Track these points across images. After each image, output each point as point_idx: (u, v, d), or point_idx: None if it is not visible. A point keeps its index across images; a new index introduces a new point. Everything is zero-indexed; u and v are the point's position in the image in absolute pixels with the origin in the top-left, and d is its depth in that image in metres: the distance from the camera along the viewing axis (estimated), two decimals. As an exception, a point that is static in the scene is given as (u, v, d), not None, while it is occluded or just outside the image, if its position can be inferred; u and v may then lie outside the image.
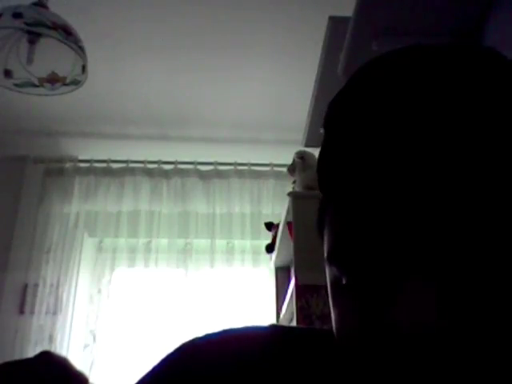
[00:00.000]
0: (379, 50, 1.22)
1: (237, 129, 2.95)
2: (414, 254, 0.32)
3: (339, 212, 0.37)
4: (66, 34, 1.65)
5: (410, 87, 0.35)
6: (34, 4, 1.67)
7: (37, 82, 1.86)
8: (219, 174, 3.08)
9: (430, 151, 0.32)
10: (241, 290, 2.91)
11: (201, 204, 3.02)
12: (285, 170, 2.36)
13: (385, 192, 0.33)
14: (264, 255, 2.73)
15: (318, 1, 2.13)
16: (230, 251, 2.97)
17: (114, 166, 3.07)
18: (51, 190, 2.99)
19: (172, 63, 2.55)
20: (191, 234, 2.97)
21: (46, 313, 2.73)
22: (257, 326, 0.47)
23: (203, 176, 3.08)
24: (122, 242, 2.95)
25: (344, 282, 0.36)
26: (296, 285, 1.85)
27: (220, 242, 2.97)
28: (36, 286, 2.77)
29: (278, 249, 2.40)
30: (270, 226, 2.62)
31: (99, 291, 2.93)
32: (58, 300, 2.75)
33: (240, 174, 3.08)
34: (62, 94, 1.90)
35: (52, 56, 1.77)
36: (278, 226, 2.45)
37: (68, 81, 1.85)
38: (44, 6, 1.68)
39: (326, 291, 0.40)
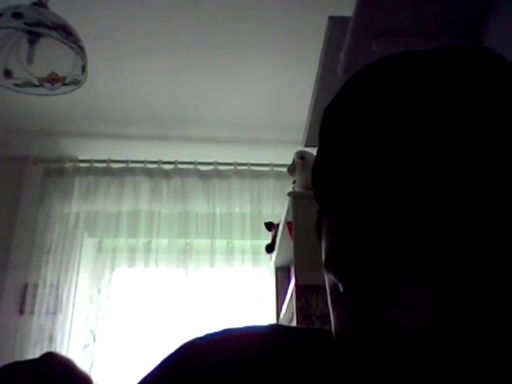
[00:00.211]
0: (379, 50, 1.22)
1: (237, 129, 2.95)
2: (413, 255, 0.32)
3: (334, 219, 0.37)
4: (66, 33, 1.65)
5: (404, 93, 0.35)
6: (34, 4, 1.67)
7: (37, 82, 1.86)
8: (219, 174, 3.08)
9: (425, 155, 0.32)
10: (241, 290, 2.91)
11: (201, 204, 3.02)
12: (285, 170, 2.36)
13: (380, 196, 0.33)
14: (264, 255, 2.73)
15: (317, 1, 2.13)
16: (230, 251, 2.97)
17: (114, 165, 3.07)
18: (51, 190, 2.99)
19: (172, 63, 2.55)
20: (191, 234, 2.97)
21: (46, 313, 2.72)
22: (257, 326, 0.47)
23: (203, 176, 3.07)
24: (122, 242, 2.95)
25: (341, 287, 0.36)
26: (296, 285, 1.85)
27: (220, 242, 2.97)
28: (36, 286, 2.77)
29: (278, 249, 2.40)
30: (270, 225, 2.62)
31: (99, 291, 2.93)
32: (58, 300, 2.75)
33: (240, 174, 3.08)
34: (62, 94, 1.90)
35: (52, 56, 1.77)
36: (278, 226, 2.45)
37: (68, 81, 1.85)
38: (44, 6, 1.68)
39: (327, 294, 0.41)
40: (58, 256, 2.84)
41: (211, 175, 3.08)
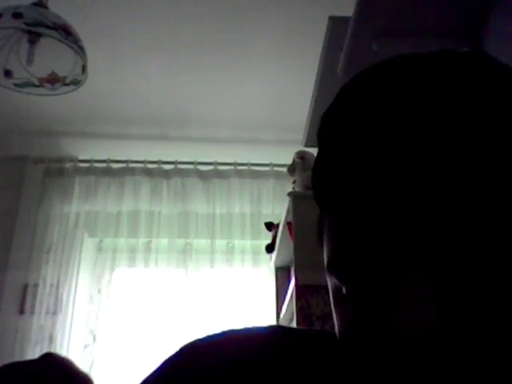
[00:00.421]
0: (379, 50, 1.22)
1: (237, 129, 2.95)
2: (413, 256, 0.32)
3: (336, 222, 0.37)
4: (66, 34, 1.65)
5: (401, 96, 0.35)
6: (34, 4, 1.67)
7: (37, 82, 1.86)
8: (219, 174, 3.08)
9: (424, 160, 0.33)
10: (241, 290, 2.91)
11: (201, 204, 3.02)
12: (285, 170, 2.36)
13: (380, 198, 0.33)
14: (264, 255, 2.73)
15: (317, 1, 2.13)
16: (229, 251, 2.97)
17: (114, 165, 3.07)
18: (51, 190, 2.99)
19: (172, 63, 2.55)
20: (191, 234, 2.97)
21: (46, 313, 2.73)
22: (257, 327, 0.47)
23: (203, 176, 3.08)
24: (122, 242, 2.95)
25: (344, 290, 0.36)
26: (296, 285, 1.85)
27: (220, 242, 2.97)
28: (36, 286, 2.77)
29: (278, 249, 2.40)
30: (270, 225, 2.62)
31: (99, 291, 2.93)
32: (58, 300, 2.75)
33: (240, 174, 3.08)
34: (62, 94, 1.90)
35: (52, 56, 1.77)
36: (278, 226, 2.45)
37: (68, 81, 1.85)
38: (44, 6, 1.68)
39: (328, 295, 0.41)
40: (58, 256, 2.84)
41: (211, 175, 3.08)
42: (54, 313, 2.73)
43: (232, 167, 3.09)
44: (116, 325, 2.85)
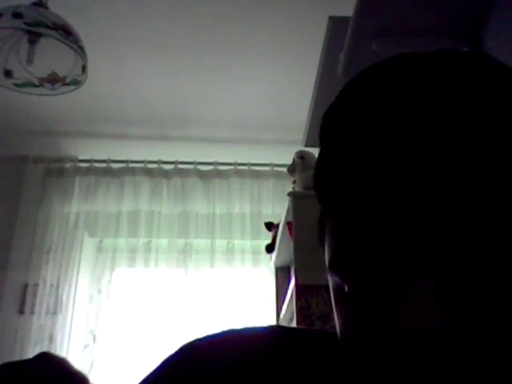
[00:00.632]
0: (379, 49, 1.22)
1: (237, 129, 2.95)
2: (415, 256, 0.32)
3: (338, 221, 0.37)
4: (66, 33, 1.65)
5: (402, 96, 0.35)
6: (34, 4, 1.67)
7: (37, 82, 1.86)
8: (219, 174, 3.08)
9: (426, 158, 0.33)
10: (241, 290, 2.91)
11: (201, 204, 3.02)
12: (285, 170, 2.36)
13: (382, 197, 0.33)
14: (264, 255, 2.73)
15: (317, 1, 2.13)
16: (229, 251, 2.97)
17: (114, 165, 3.07)
18: (51, 190, 2.99)
19: (172, 63, 2.55)
20: (191, 234, 2.97)
21: (46, 313, 2.72)
22: (257, 327, 0.47)
23: (203, 176, 3.08)
24: (121, 242, 2.95)
25: (346, 289, 0.36)
26: (296, 285, 1.85)
27: (220, 242, 2.97)
28: (36, 286, 2.77)
29: (278, 249, 2.40)
30: (270, 226, 2.62)
31: (99, 291, 2.93)
32: (58, 300, 2.75)
33: (240, 174, 3.08)
34: (62, 94, 1.90)
35: (52, 56, 1.77)
36: (278, 226, 2.45)
37: (68, 81, 1.85)
38: (44, 6, 1.68)
39: (329, 295, 0.41)
40: (58, 256, 2.84)
41: (211, 175, 3.08)
42: (54, 313, 2.73)
43: (232, 167, 3.09)
44: (116, 325, 2.85)
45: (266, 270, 2.85)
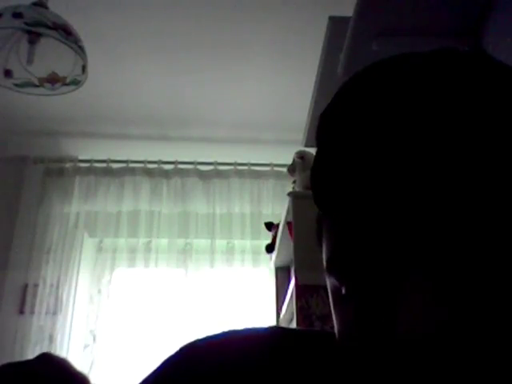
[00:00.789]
0: (379, 49, 1.22)
1: (237, 129, 2.95)
2: (413, 256, 0.32)
3: (335, 223, 0.37)
4: (66, 34, 1.64)
5: (400, 96, 0.35)
6: (34, 4, 1.67)
7: (37, 82, 1.86)
8: (219, 174, 3.08)
9: (423, 159, 0.33)
10: (241, 290, 2.91)
11: (201, 204, 3.02)
12: (285, 170, 2.36)
13: (379, 198, 0.33)
14: (264, 255, 2.73)
15: (317, 1, 2.13)
16: (229, 251, 2.97)
17: (114, 165, 3.07)
18: (51, 190, 2.99)
19: (172, 63, 2.55)
20: (191, 234, 2.97)
21: (46, 313, 2.72)
22: (257, 328, 0.47)
23: (203, 176, 3.07)
24: (122, 242, 2.94)
25: (343, 290, 0.36)
26: (296, 285, 1.85)
27: (220, 242, 2.97)
28: (36, 286, 2.77)
29: (278, 249, 2.40)
30: (270, 226, 2.62)
31: (99, 291, 2.93)
32: (58, 300, 2.75)
33: (240, 174, 3.08)
34: (62, 94, 1.89)
35: (52, 56, 1.77)
36: (278, 226, 2.45)
37: (68, 81, 1.85)
38: (44, 6, 1.68)
39: (328, 296, 0.41)
40: (58, 256, 2.84)
41: (211, 175, 3.08)
42: (54, 313, 2.73)
43: (232, 167, 3.09)
44: (116, 325, 2.85)
45: (266, 270, 2.85)
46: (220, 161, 3.09)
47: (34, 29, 1.64)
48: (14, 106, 2.69)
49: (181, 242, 2.96)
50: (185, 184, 3.05)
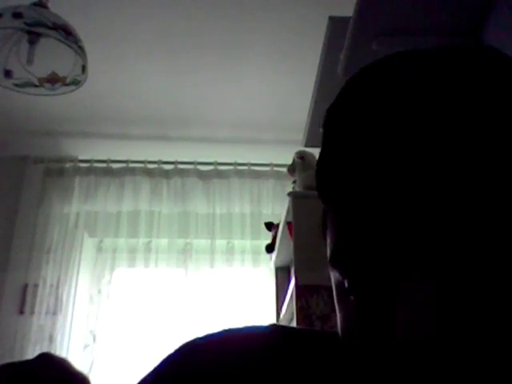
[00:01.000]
0: (379, 49, 1.22)
1: (237, 129, 2.95)
2: (414, 255, 0.32)
3: (339, 216, 0.37)
4: (66, 34, 1.65)
5: (408, 91, 0.35)
6: (34, 4, 1.67)
7: (37, 82, 1.86)
8: (219, 174, 3.08)
9: (428, 154, 0.32)
10: (241, 290, 2.91)
11: (201, 204, 3.02)
12: (285, 170, 2.36)
13: (384, 194, 0.33)
14: (264, 255, 2.73)
15: (317, 1, 2.13)
16: (230, 251, 2.97)
17: (114, 165, 3.07)
18: (51, 190, 2.99)
19: (172, 63, 2.55)
20: (191, 234, 2.97)
21: (46, 313, 2.72)
22: (257, 326, 0.47)
23: (203, 176, 3.08)
24: (121, 242, 2.94)
25: (346, 285, 0.36)
26: (296, 285, 1.85)
27: (220, 242, 2.97)
28: (36, 286, 2.77)
29: (278, 249, 2.40)
30: (270, 225, 2.62)
31: (99, 291, 2.93)
32: (58, 300, 2.75)
33: (240, 174, 3.08)
34: (62, 94, 1.90)
35: (52, 56, 1.77)
36: (278, 226, 2.45)
37: (68, 81, 1.85)
38: (44, 6, 1.68)
39: (329, 292, 0.41)
40: (58, 256, 2.84)
41: (211, 175, 3.08)
42: (54, 313, 2.73)
43: (232, 167, 3.09)
44: (116, 325, 2.85)
45: (266, 270, 2.85)
46: (220, 161, 3.09)
47: (33, 29, 1.64)
48: (14, 106, 2.69)
49: (181, 242, 2.96)
50: (185, 184, 3.05)
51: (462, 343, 0.31)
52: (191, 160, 3.09)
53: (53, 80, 1.86)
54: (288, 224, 2.09)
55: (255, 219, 2.96)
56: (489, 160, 0.32)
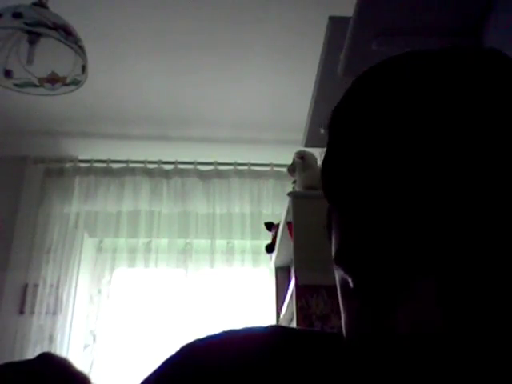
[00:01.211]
0: (379, 49, 1.22)
1: (237, 129, 2.95)
2: (418, 254, 0.32)
3: (344, 215, 0.37)
4: (66, 34, 1.64)
5: (414, 92, 0.35)
6: (34, 4, 1.67)
7: (37, 82, 1.86)
8: (219, 174, 3.08)
9: (432, 155, 0.33)
10: (241, 290, 2.91)
11: (201, 204, 3.02)
12: (285, 170, 2.36)
13: (388, 194, 0.33)
14: (264, 255, 2.73)
15: (317, 1, 2.13)
16: (230, 251, 2.97)
17: (114, 165, 3.07)
18: (51, 190, 2.99)
19: (172, 63, 2.55)
20: (191, 234, 2.97)
21: (46, 313, 2.72)
22: (257, 327, 0.47)
23: (203, 176, 3.08)
24: (122, 242, 2.95)
25: (351, 283, 0.36)
26: (296, 285, 1.85)
27: (220, 242, 2.97)
28: (36, 286, 2.77)
29: (278, 249, 2.40)
30: (270, 226, 2.62)
31: (99, 291, 2.93)
32: (58, 300, 2.75)
33: (240, 174, 3.08)
34: (62, 94, 1.90)
35: (52, 56, 1.77)
36: (278, 226, 2.45)
37: (68, 81, 1.85)
38: (44, 6, 1.68)
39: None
40: (58, 256, 2.84)
41: (211, 175, 3.08)
42: (54, 313, 2.73)
43: (232, 167, 3.09)
44: (116, 325, 2.85)
45: (266, 270, 2.85)
46: (220, 161, 3.09)
47: (33, 29, 1.64)
48: (13, 106, 2.69)
49: (181, 242, 2.96)
50: (185, 184, 3.05)
51: (464, 341, 0.31)
52: (191, 160, 3.09)
53: (53, 80, 1.86)
54: (288, 224, 2.09)
55: (255, 219, 2.96)
56: (492, 162, 0.32)
